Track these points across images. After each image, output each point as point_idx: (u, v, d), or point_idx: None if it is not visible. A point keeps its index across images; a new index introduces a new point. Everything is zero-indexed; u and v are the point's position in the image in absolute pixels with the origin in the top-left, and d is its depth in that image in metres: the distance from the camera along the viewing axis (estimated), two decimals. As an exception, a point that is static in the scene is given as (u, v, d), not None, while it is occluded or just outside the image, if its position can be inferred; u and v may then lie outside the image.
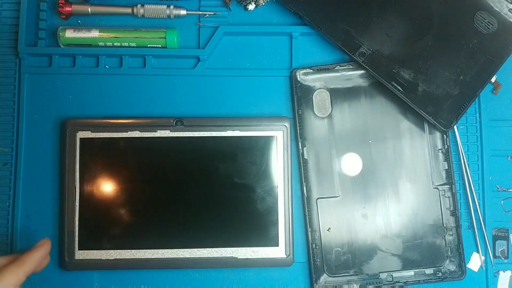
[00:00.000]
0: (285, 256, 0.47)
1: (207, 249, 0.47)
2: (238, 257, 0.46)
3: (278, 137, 0.47)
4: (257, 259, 0.47)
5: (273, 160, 0.47)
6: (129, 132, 0.46)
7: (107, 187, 0.47)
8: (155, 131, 0.47)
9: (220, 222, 0.47)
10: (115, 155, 0.47)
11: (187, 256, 0.46)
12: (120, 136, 0.47)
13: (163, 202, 0.47)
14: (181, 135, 0.47)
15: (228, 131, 0.47)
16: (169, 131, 0.47)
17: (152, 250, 0.46)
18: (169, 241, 0.47)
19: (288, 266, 0.47)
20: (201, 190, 0.47)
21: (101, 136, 0.47)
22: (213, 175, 0.47)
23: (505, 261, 0.49)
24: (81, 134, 0.46)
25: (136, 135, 0.47)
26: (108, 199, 0.47)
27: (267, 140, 0.47)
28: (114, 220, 0.47)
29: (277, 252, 0.47)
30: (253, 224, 0.47)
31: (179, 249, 0.46)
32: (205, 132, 0.47)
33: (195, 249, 0.46)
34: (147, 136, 0.47)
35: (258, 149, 0.47)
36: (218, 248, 0.47)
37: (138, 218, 0.47)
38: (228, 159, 0.47)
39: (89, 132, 0.46)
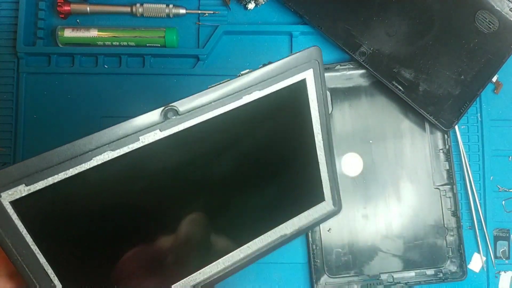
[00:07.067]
0: (334, 208, 0.39)
1: (254, 241, 0.36)
2: (287, 233, 0.38)
3: (309, 78, 0.34)
4: (307, 224, 0.38)
5: (306, 108, 0.35)
6: (93, 159, 0.28)
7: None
8: (137, 140, 0.29)
9: (258, 205, 0.37)
10: (87, 200, 0.29)
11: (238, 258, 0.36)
12: (81, 171, 0.27)
13: (182, 213, 0.34)
14: (178, 130, 0.30)
15: (244, 97, 0.32)
16: (158, 130, 0.29)
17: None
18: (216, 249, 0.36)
19: (337, 214, 0.40)
20: (225, 182, 0.34)
21: (47, 185, 0.27)
22: (235, 160, 0.34)
23: (506, 261, 0.49)
24: (10, 197, 0.26)
25: (107, 158, 0.28)
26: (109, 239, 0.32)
27: (296, 88, 0.34)
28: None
29: (324, 207, 0.39)
30: (294, 190, 0.38)
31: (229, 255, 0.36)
32: (211, 112, 0.32)
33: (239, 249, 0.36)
34: (124, 152, 0.29)
35: (286, 103, 0.34)
36: (265, 235, 0.37)
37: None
38: (250, 133, 0.34)
39: (23, 186, 0.26)
